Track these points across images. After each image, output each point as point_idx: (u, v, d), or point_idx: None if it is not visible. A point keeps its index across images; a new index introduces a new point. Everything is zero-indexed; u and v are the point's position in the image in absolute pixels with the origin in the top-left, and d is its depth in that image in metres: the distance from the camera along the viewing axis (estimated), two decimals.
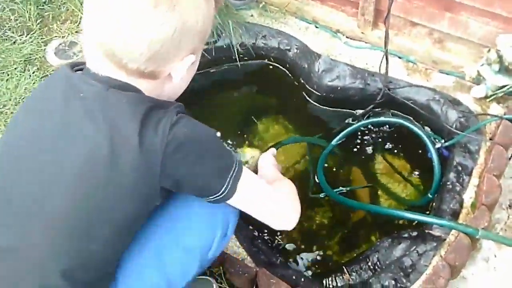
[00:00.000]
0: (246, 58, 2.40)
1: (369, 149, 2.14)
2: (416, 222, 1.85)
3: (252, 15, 2.43)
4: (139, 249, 1.20)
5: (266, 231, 1.93)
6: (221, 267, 1.68)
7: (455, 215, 1.73)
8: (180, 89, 1.26)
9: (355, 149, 2.15)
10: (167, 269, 1.24)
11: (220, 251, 1.39)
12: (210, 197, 1.16)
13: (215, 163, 1.13)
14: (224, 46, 2.36)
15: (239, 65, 2.40)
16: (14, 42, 2.56)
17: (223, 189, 1.14)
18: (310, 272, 1.82)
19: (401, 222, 1.92)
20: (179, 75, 1.14)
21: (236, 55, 2.35)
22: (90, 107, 1.05)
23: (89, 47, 1.09)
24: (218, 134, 1.58)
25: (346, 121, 2.19)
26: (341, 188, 2.01)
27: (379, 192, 2.03)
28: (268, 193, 1.28)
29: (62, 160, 1.04)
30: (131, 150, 1.01)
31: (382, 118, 2.12)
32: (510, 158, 1.88)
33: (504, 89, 1.97)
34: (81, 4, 2.61)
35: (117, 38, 1.03)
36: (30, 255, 1.05)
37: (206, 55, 2.30)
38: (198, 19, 1.07)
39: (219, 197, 1.15)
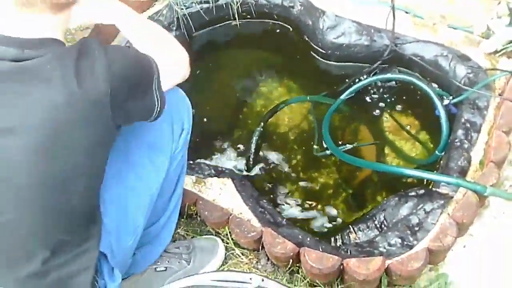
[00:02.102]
0: (248, 16, 2.34)
1: (376, 107, 2.10)
2: (423, 180, 1.83)
3: None
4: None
5: (271, 191, 1.92)
6: (227, 227, 1.67)
7: (463, 172, 1.70)
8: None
9: (361, 107, 2.12)
10: (138, 170, 1.31)
11: (186, 146, 1.47)
12: (153, 115, 1.21)
13: (146, 85, 1.16)
14: (224, 5, 2.30)
15: (241, 23, 2.34)
16: None
17: (157, 103, 1.19)
18: (316, 232, 1.82)
19: (408, 180, 1.89)
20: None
21: (237, 14, 2.30)
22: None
23: None
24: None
25: (352, 79, 2.14)
26: (347, 145, 1.98)
27: (386, 150, 2.01)
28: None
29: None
30: (79, 106, 1.01)
31: (388, 75, 2.08)
32: None
33: None
34: None
35: None
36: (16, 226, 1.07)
37: (204, 15, 2.27)
38: None
39: (158, 110, 1.20)
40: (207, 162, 1.98)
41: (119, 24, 1.32)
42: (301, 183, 1.96)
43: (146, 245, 1.51)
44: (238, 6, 2.27)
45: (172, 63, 1.28)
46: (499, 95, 1.84)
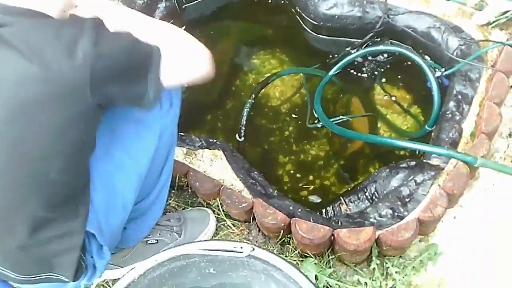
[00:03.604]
0: None
1: (368, 79, 2.09)
2: (415, 152, 1.83)
3: None
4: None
5: (262, 162, 1.92)
6: (218, 199, 1.67)
7: (454, 144, 1.70)
8: None
9: (353, 80, 2.11)
10: (126, 146, 1.28)
11: (175, 122, 1.43)
12: (143, 103, 1.14)
13: (138, 72, 1.10)
14: None
15: None
16: None
17: (149, 92, 1.11)
18: (307, 203, 1.82)
19: (400, 152, 1.90)
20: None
21: None
22: None
23: None
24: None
25: (344, 51, 2.12)
26: (340, 116, 1.98)
27: (378, 123, 2.01)
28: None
29: None
30: (54, 83, 0.97)
31: (381, 47, 2.06)
32: (511, 86, 1.84)
33: (507, 14, 1.91)
34: None
35: None
36: None
37: None
38: None
39: (150, 100, 1.13)
40: (198, 133, 1.96)
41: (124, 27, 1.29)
42: (293, 155, 1.95)
43: (137, 219, 1.51)
44: None
45: (186, 58, 1.21)
46: (492, 66, 1.83)
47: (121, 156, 1.26)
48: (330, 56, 2.15)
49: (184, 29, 1.33)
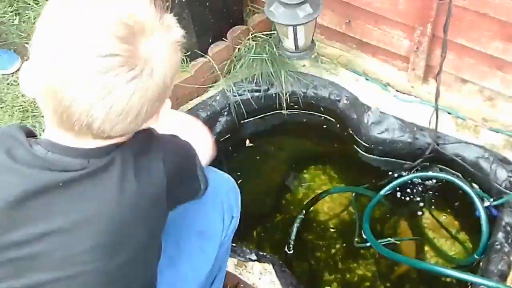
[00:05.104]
0: (296, 107, 2.46)
1: (417, 203, 2.15)
2: (462, 281, 1.83)
3: (304, 65, 2.50)
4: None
5: (309, 278, 1.95)
6: None
7: (503, 276, 1.71)
8: None
9: (402, 203, 2.17)
10: (189, 258, 1.33)
11: (232, 234, 1.47)
12: (197, 196, 1.20)
13: (192, 170, 1.16)
14: (274, 95, 2.43)
15: (288, 113, 2.46)
16: None
17: (201, 184, 1.17)
18: None
19: (447, 279, 1.90)
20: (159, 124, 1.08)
21: (285, 104, 2.42)
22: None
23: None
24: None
25: (394, 174, 2.20)
26: (388, 238, 2.02)
27: (425, 248, 2.03)
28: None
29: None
30: (138, 206, 1.00)
31: (430, 173, 2.13)
32: None
33: None
34: None
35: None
36: None
37: (254, 103, 2.40)
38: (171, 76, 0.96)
39: (203, 190, 1.19)
40: (246, 244, 2.03)
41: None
42: (339, 274, 1.98)
43: None
44: (286, 97, 2.40)
45: (202, 145, 1.27)
46: None
47: (186, 269, 1.32)
48: (380, 177, 2.23)
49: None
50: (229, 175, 1.45)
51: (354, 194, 2.22)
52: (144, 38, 0.86)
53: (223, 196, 1.40)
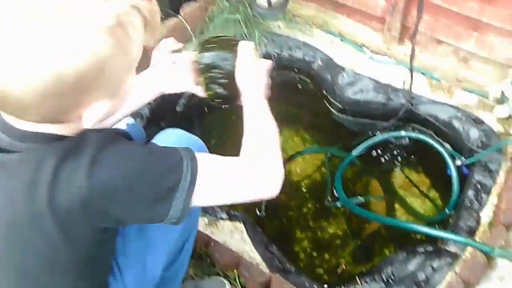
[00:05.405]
0: None
1: (389, 163, 2.15)
2: (431, 237, 1.85)
3: (279, 26, 2.46)
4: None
5: (281, 237, 1.95)
6: (235, 271, 1.70)
7: (471, 232, 1.73)
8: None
9: (375, 162, 2.17)
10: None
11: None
12: (164, 222, 1.01)
13: (152, 190, 0.95)
14: None
15: None
16: None
17: (171, 213, 0.97)
18: (323, 281, 1.83)
19: (417, 236, 1.91)
20: (88, 122, 0.93)
21: None
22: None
23: None
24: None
25: (367, 134, 2.19)
26: (358, 197, 2.02)
27: (396, 205, 2.04)
28: (239, 172, 1.06)
29: None
30: (43, 219, 0.90)
31: (403, 133, 2.13)
32: None
33: None
34: None
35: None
36: None
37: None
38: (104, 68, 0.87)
39: (174, 220, 0.99)
40: (221, 206, 2.01)
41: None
42: (310, 232, 1.99)
43: None
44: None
45: (258, 176, 1.07)
46: (511, 159, 1.88)
47: (154, 235, 1.25)
48: (353, 138, 2.22)
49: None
50: (202, 144, 1.35)
51: (327, 155, 2.20)
52: None
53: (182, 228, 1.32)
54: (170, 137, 1.27)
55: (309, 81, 2.43)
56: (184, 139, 1.28)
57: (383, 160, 2.16)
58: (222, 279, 1.71)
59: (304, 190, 2.12)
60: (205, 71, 1.29)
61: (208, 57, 1.28)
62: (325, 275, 1.88)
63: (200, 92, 1.36)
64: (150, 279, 1.30)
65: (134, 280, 1.24)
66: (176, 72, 1.36)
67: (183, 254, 1.47)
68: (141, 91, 1.33)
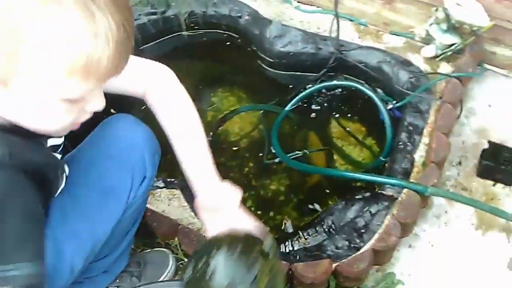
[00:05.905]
0: (196, 27, 2.36)
1: (324, 113, 2.14)
2: (371, 183, 1.87)
3: None
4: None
5: None
6: (176, 238, 1.67)
7: (406, 174, 1.75)
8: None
9: (309, 114, 2.15)
10: (86, 215, 1.20)
11: (146, 196, 1.37)
12: None
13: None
14: (172, 17, 2.32)
15: (189, 35, 2.36)
16: None
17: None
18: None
19: (357, 184, 1.93)
20: None
21: (185, 25, 2.32)
22: None
23: None
24: None
25: (299, 87, 2.17)
26: (296, 152, 2.01)
27: (335, 156, 2.04)
28: None
29: None
30: None
31: (334, 82, 2.12)
32: (458, 116, 1.91)
33: (452, 47, 1.99)
34: None
35: None
36: None
37: (152, 27, 2.28)
38: None
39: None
40: (158, 174, 1.96)
41: None
42: (252, 191, 1.97)
43: (97, 276, 1.44)
44: (186, 17, 2.29)
45: None
46: (440, 98, 1.90)
47: (77, 225, 1.19)
48: (287, 92, 2.19)
49: None
50: (149, 131, 1.32)
51: (262, 112, 2.18)
52: None
53: (136, 153, 1.26)
54: (118, 128, 1.26)
55: (238, 37, 2.37)
56: (133, 130, 1.27)
57: (318, 112, 2.15)
58: (165, 250, 1.68)
59: (243, 149, 2.09)
60: None
61: None
62: (271, 233, 1.87)
63: None
64: (68, 270, 1.19)
65: (50, 268, 1.13)
66: None
67: (125, 241, 1.43)
68: None
